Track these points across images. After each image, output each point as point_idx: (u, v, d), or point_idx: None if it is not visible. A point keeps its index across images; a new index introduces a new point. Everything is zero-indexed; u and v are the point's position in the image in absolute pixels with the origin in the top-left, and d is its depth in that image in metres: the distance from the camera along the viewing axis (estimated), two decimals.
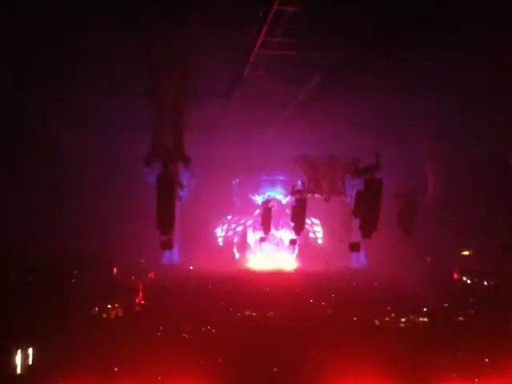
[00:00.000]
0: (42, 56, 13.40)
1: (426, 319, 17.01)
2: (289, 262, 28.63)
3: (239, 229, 29.64)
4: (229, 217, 29.49)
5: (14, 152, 18.90)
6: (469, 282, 22.14)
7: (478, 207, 20.76)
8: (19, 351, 12.63)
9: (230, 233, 29.65)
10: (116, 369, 12.23)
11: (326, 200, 21.33)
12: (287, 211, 25.73)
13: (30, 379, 12.41)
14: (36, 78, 14.69)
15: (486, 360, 13.33)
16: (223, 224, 29.52)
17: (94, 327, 14.75)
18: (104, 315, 16.65)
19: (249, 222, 29.63)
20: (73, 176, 21.28)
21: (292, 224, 22.17)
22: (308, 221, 26.62)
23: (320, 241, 29.61)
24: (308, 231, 28.42)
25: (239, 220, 29.71)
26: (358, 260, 25.52)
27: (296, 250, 28.57)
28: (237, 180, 28.61)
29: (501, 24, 11.16)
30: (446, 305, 18.18)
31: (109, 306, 17.00)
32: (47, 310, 14.36)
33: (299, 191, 21.42)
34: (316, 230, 29.66)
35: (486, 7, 10.43)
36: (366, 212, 16.15)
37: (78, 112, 17.49)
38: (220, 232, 29.48)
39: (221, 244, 29.40)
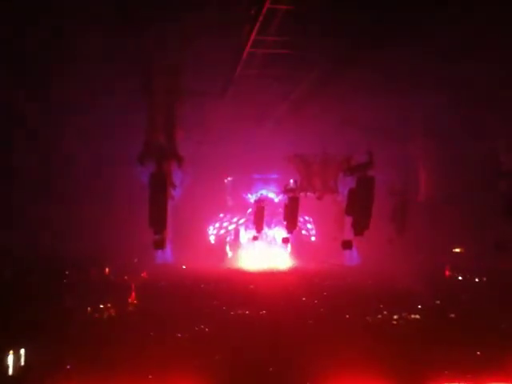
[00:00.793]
0: (38, 56, 13.29)
1: (418, 316, 17.09)
2: (282, 261, 28.61)
3: (231, 227, 29.58)
4: (221, 215, 29.43)
5: (8, 151, 18.74)
6: (461, 278, 22.28)
7: (471, 205, 20.88)
8: (11, 352, 12.53)
9: (222, 231, 29.58)
10: (108, 368, 12.16)
11: (319, 198, 21.35)
12: (280, 210, 25.73)
13: (22, 380, 12.32)
14: (31, 78, 14.58)
15: (478, 353, 13.41)
16: (215, 222, 29.46)
17: (85, 327, 14.66)
18: (96, 315, 16.56)
19: (241, 221, 29.59)
20: (65, 175, 21.14)
21: (285, 222, 22.18)
22: (300, 219, 26.63)
23: (313, 238, 29.62)
24: (301, 229, 28.43)
25: (232, 218, 29.66)
26: (351, 258, 25.56)
27: (289, 249, 28.58)
28: (229, 179, 28.55)
29: (499, 23, 11.23)
30: (438, 302, 18.27)
31: (101, 306, 16.92)
32: (38, 310, 14.26)
33: (292, 189, 21.42)
34: (309, 227, 29.69)
35: (485, 7, 10.50)
36: (359, 210, 16.19)
37: (71, 112, 17.38)
38: (212, 230, 29.41)
39: (212, 242, 29.32)
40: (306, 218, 29.13)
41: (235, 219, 29.67)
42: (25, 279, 16.07)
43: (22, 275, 16.38)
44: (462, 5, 10.41)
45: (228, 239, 29.54)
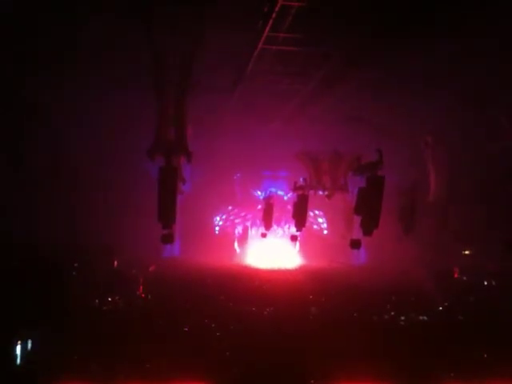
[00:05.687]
0: (45, 47, 13.38)
1: (425, 318, 16.98)
2: (290, 259, 28.58)
3: (238, 221, 29.48)
4: (230, 207, 29.32)
5: (17, 142, 18.88)
6: (470, 281, 22.06)
7: (480, 205, 20.69)
8: (19, 343, 12.65)
9: (228, 223, 29.46)
10: (113, 360, 12.24)
11: (329, 197, 21.24)
12: (289, 207, 25.68)
13: (30, 370, 12.44)
14: (40, 71, 14.68)
15: (485, 355, 13.33)
16: (222, 214, 29.31)
17: (93, 319, 14.74)
18: (104, 308, 16.66)
19: (249, 216, 29.54)
20: (76, 168, 21.23)
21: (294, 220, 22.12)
22: (311, 213, 26.55)
23: (325, 232, 29.45)
24: (312, 224, 28.37)
25: (239, 213, 29.58)
26: (359, 257, 25.45)
27: (297, 247, 28.52)
28: (238, 175, 28.51)
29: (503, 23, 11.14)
30: (446, 304, 18.14)
31: (109, 299, 17.03)
32: (47, 302, 14.36)
33: (301, 187, 21.35)
34: (320, 221, 29.51)
35: (487, 7, 10.42)
36: (368, 210, 16.08)
37: (82, 105, 17.48)
38: (218, 221, 29.29)
39: (216, 233, 29.17)
40: (316, 212, 28.98)
41: (243, 213, 29.60)
42: (33, 270, 16.16)
43: (30, 266, 16.46)
44: (466, 6, 10.34)
45: (236, 235, 29.50)
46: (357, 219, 17.41)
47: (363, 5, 10.72)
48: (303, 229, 22.38)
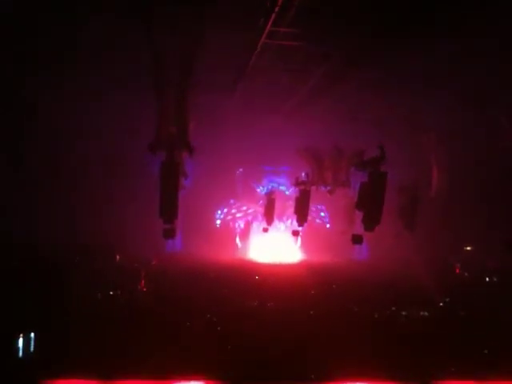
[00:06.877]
0: (45, 47, 13.38)
1: (426, 313, 17.06)
2: (291, 253, 28.62)
3: (239, 215, 29.49)
4: (231, 201, 29.32)
5: (17, 141, 18.90)
6: (471, 277, 22.08)
7: (483, 203, 20.64)
8: (21, 338, 12.78)
9: (229, 217, 29.48)
10: (114, 354, 12.36)
11: (331, 193, 21.25)
12: (290, 202, 25.69)
13: (32, 363, 12.58)
14: (40, 70, 14.68)
15: (486, 351, 13.41)
16: (224, 207, 29.31)
17: (94, 314, 14.87)
18: (106, 302, 16.78)
19: (250, 211, 29.54)
20: (76, 168, 21.26)
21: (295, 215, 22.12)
22: (313, 208, 26.51)
23: (328, 225, 29.44)
24: (314, 218, 28.36)
25: (241, 207, 29.59)
26: (360, 252, 25.44)
27: (299, 242, 28.55)
28: (240, 170, 28.49)
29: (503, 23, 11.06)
30: (448, 299, 18.19)
31: (111, 293, 17.16)
32: (47, 302, 14.46)
33: (303, 182, 21.36)
34: (322, 215, 29.50)
35: (487, 7, 10.35)
36: (370, 205, 16.10)
37: (82, 105, 17.49)
38: (219, 214, 29.30)
39: (218, 226, 29.19)
40: (318, 206, 28.96)
41: (244, 208, 29.61)
42: (34, 266, 16.24)
43: (32, 263, 16.56)
44: (466, 6, 10.28)
45: (238, 230, 29.52)
46: (358, 214, 17.42)
47: (363, 5, 10.65)
48: (305, 224, 22.46)
